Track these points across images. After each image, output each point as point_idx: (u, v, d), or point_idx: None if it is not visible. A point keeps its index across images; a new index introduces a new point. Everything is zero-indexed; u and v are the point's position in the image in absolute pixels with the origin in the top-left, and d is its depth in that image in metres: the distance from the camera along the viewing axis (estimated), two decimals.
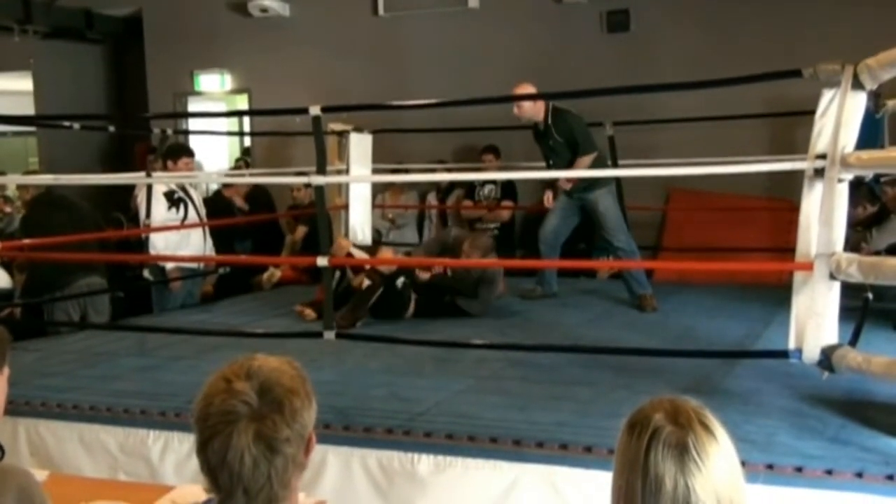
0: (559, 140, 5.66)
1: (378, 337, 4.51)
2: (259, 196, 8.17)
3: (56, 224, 5.36)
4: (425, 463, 3.10)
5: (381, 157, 7.16)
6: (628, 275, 5.72)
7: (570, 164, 5.63)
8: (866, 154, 3.05)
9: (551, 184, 6.16)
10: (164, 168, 6.14)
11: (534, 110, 5.68)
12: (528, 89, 5.55)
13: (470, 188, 7.84)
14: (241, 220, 7.54)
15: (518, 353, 4.25)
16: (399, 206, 8.16)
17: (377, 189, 8.15)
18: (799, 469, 2.77)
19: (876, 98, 3.13)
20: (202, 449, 1.50)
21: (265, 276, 7.18)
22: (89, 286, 5.66)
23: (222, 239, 6.72)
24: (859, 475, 2.72)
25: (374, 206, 7.94)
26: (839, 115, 3.02)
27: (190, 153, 6.26)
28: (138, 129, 8.64)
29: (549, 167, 5.82)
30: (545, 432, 3.15)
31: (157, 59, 9.81)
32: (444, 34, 8.55)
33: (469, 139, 8.17)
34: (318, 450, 3.05)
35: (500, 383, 3.93)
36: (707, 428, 1.34)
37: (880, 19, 6.60)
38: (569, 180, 5.66)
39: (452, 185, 8.17)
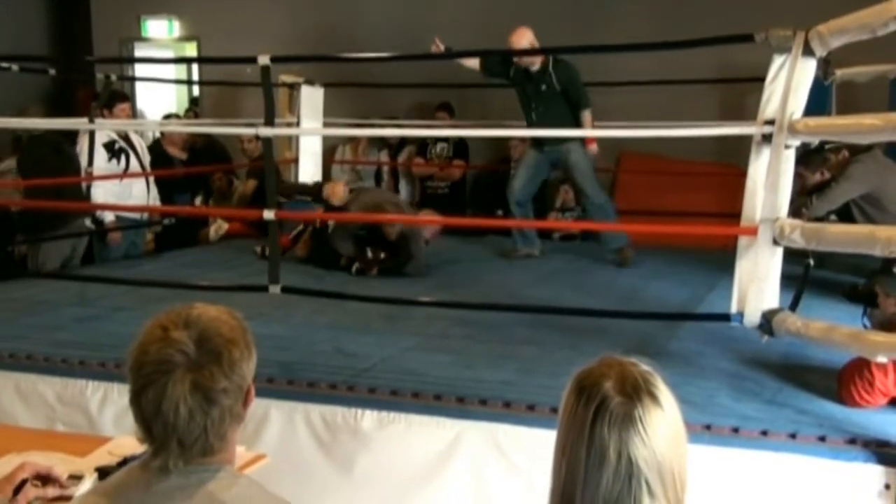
0: (556, 88, 5.60)
1: (325, 292, 4.45)
2: (206, 147, 7.92)
3: (52, 165, 5.42)
4: (369, 418, 3.10)
5: (335, 112, 7.04)
6: (603, 231, 5.75)
7: (560, 114, 5.58)
8: (814, 121, 3.08)
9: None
10: (103, 118, 5.95)
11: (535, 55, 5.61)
12: (527, 33, 5.49)
13: (422, 145, 7.78)
14: (180, 171, 7.33)
15: (465, 311, 4.24)
16: (353, 162, 8.07)
17: (338, 143, 8.06)
18: (736, 430, 2.83)
19: (825, 65, 3.14)
20: (136, 398, 1.47)
21: (212, 228, 7.06)
22: (79, 228, 5.74)
23: (161, 189, 6.54)
24: (793, 436, 2.78)
25: (333, 160, 7.87)
26: (789, 81, 3.03)
27: (125, 98, 6.09)
28: (82, 73, 8.35)
29: (529, 113, 5.75)
30: (489, 390, 3.17)
31: (102, 2, 9.49)
32: None
33: (423, 96, 8.08)
34: (261, 404, 3.04)
35: (447, 341, 3.94)
36: (655, 398, 1.32)
37: None
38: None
39: (404, 142, 8.11)
